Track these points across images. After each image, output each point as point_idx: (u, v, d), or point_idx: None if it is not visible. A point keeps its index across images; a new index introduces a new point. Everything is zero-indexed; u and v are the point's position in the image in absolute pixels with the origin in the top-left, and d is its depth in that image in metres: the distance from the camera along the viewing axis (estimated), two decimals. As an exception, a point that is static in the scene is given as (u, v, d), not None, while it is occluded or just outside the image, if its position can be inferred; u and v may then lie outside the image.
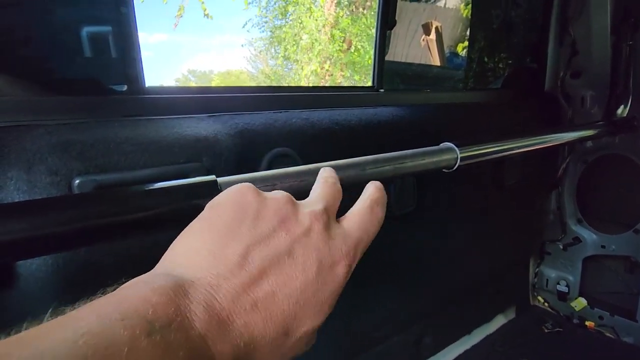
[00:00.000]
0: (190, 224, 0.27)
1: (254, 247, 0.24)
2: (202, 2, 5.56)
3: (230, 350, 0.22)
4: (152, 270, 0.24)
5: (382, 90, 0.98)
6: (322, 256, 0.26)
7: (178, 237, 0.26)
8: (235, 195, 0.27)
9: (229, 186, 0.42)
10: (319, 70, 6.28)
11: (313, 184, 0.49)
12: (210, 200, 0.28)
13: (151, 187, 0.41)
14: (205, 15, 5.62)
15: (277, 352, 0.24)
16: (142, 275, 0.23)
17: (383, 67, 0.98)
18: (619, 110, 1.14)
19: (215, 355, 0.21)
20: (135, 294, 0.20)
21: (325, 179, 0.35)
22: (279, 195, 0.28)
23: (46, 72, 0.58)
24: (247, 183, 0.28)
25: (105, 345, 0.17)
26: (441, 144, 0.69)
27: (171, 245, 0.26)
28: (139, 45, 0.64)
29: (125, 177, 0.53)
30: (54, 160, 0.48)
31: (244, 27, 6.75)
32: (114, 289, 0.22)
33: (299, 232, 0.26)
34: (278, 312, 0.23)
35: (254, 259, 0.24)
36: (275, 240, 0.25)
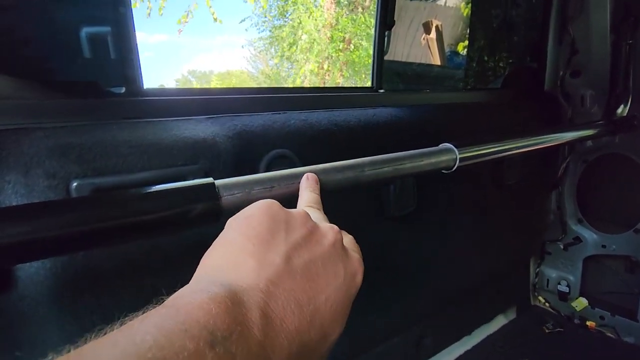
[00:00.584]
0: (221, 235, 0.28)
1: (292, 253, 0.26)
2: (210, 7, 5.57)
3: (287, 357, 0.21)
4: (194, 281, 0.24)
5: (381, 90, 0.98)
6: (346, 265, 0.28)
7: (210, 248, 0.27)
8: (264, 207, 0.28)
9: (227, 189, 0.43)
10: (316, 69, 6.29)
11: None
12: (238, 213, 0.29)
13: (149, 191, 0.41)
14: (214, 19, 5.64)
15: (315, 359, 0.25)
16: (190, 285, 0.23)
17: (382, 68, 0.98)
18: (619, 110, 1.14)
19: None
20: (192, 304, 0.20)
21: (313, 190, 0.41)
22: (301, 210, 0.31)
23: (43, 73, 0.58)
24: (271, 200, 0.30)
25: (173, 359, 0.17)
26: (440, 145, 0.69)
27: (205, 256, 0.26)
28: (137, 47, 0.64)
29: (123, 180, 0.52)
30: (52, 164, 0.48)
31: (241, 23, 6.75)
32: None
33: (327, 242, 0.28)
34: (319, 317, 0.24)
35: (295, 264, 0.25)
36: (310, 248, 0.27)
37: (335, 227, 0.31)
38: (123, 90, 0.63)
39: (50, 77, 0.59)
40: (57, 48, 0.60)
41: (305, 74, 6.33)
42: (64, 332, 0.51)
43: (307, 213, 0.30)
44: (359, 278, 0.30)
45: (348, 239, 0.33)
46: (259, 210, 0.28)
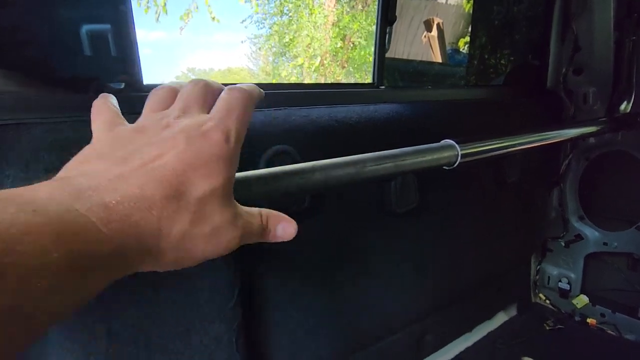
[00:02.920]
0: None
1: (117, 143, 0.29)
2: (209, 6, 5.60)
3: (103, 207, 0.23)
4: None
5: (382, 87, 0.97)
6: (188, 130, 0.28)
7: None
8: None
9: None
10: (307, 65, 6.31)
11: (312, 181, 0.49)
12: None
13: (149, 186, 0.41)
14: (212, 19, 5.70)
15: (179, 223, 0.25)
16: None
17: (383, 64, 0.98)
18: (622, 107, 1.13)
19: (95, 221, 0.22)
20: None
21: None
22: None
23: (43, 69, 0.58)
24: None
25: None
26: (442, 141, 0.68)
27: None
28: (137, 43, 0.63)
29: (124, 176, 0.52)
30: (52, 159, 0.48)
31: (242, 22, 6.83)
32: None
33: (160, 127, 0.29)
34: (158, 175, 0.25)
35: (122, 150, 0.28)
36: (136, 140, 0.29)
37: (172, 111, 0.31)
38: (122, 86, 0.63)
39: (50, 73, 0.59)
40: (58, 45, 0.59)
41: (293, 67, 6.42)
42: (64, 327, 0.51)
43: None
44: (214, 134, 0.28)
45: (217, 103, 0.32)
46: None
